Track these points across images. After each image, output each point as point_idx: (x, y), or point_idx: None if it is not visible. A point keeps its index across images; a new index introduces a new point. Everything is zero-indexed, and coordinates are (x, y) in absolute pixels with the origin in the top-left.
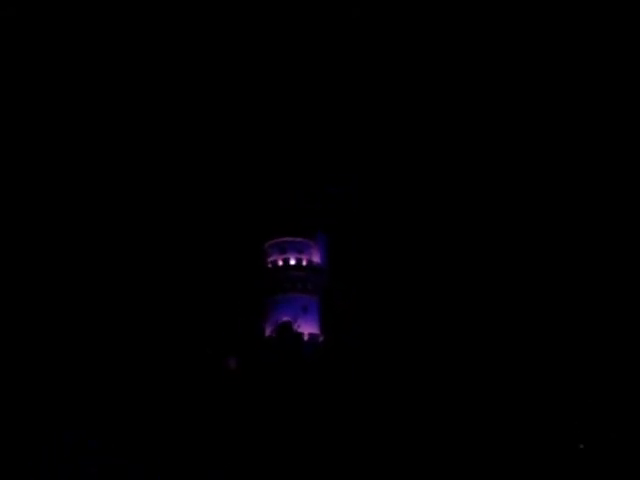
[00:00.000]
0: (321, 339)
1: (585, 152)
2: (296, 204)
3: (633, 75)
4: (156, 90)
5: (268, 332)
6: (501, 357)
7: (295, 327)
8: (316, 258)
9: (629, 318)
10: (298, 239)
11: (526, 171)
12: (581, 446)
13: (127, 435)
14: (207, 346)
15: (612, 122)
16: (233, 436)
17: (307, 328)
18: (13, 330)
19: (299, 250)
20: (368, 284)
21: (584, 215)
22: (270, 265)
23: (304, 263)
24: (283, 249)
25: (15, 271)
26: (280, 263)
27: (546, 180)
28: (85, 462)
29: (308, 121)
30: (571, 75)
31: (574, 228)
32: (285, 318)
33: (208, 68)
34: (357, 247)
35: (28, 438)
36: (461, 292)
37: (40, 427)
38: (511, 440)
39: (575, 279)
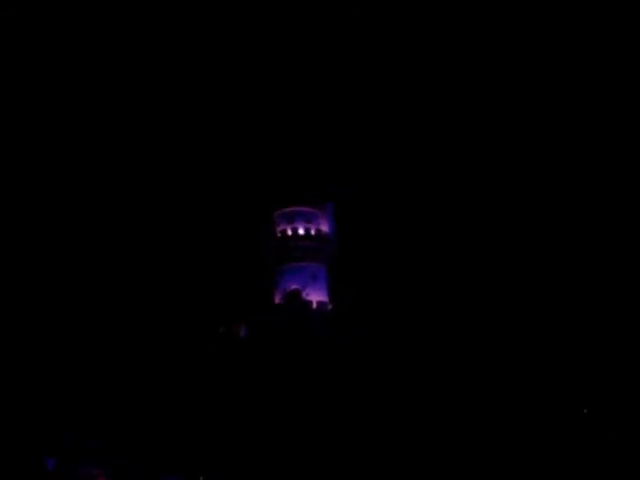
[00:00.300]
0: (329, 307)
1: (585, 152)
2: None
3: (633, 75)
4: (157, 90)
5: (277, 300)
6: (502, 350)
7: (304, 295)
8: (324, 227)
9: (629, 318)
10: (306, 208)
11: (526, 170)
12: (585, 411)
13: (127, 435)
14: (208, 346)
15: (612, 122)
16: (236, 425)
17: (316, 296)
18: (13, 330)
19: (307, 219)
20: (374, 257)
21: (584, 215)
22: (279, 234)
23: (312, 232)
24: (292, 219)
25: (15, 271)
26: (289, 232)
27: (546, 180)
28: (85, 462)
29: (308, 121)
30: (571, 75)
31: (574, 228)
32: (294, 286)
33: (209, 68)
34: (364, 217)
35: (28, 438)
36: (459, 291)
37: (40, 427)
38: (510, 437)
39: (575, 279)
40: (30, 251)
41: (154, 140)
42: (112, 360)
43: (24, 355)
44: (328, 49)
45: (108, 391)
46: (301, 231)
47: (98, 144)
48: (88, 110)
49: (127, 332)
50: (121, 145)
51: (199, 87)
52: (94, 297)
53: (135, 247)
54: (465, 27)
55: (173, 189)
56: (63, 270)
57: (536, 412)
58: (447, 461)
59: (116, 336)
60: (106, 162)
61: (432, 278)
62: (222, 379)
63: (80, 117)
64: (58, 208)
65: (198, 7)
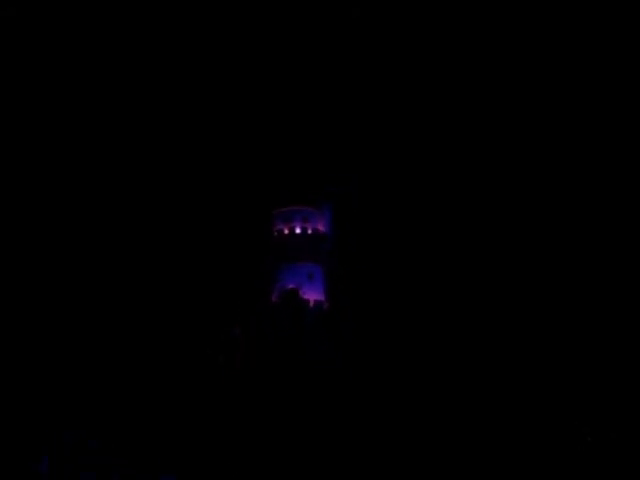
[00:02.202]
0: (326, 306)
1: (585, 152)
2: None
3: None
4: (156, 91)
5: (274, 299)
6: (503, 348)
7: (301, 294)
8: (321, 227)
9: (629, 318)
10: (303, 208)
11: (526, 170)
12: (589, 439)
13: (127, 435)
14: (207, 346)
15: (612, 122)
16: (234, 429)
17: (312, 295)
18: (13, 330)
19: (304, 219)
20: (371, 256)
21: (584, 216)
22: (276, 233)
23: (309, 231)
24: (289, 218)
25: (15, 271)
26: (286, 232)
27: (546, 180)
28: (85, 462)
29: (308, 121)
30: (571, 75)
31: (574, 228)
32: (291, 285)
33: (208, 68)
34: (361, 217)
35: (28, 438)
36: (460, 290)
37: (40, 427)
38: (511, 434)
39: (575, 279)
40: (30, 252)
41: (152, 139)
42: (112, 360)
43: (24, 355)
44: (328, 49)
45: (108, 391)
46: (298, 230)
47: (97, 145)
48: (88, 111)
49: (126, 331)
50: (119, 143)
51: (198, 87)
52: (94, 297)
53: (132, 246)
54: (465, 27)
55: (171, 188)
56: (63, 271)
57: (535, 412)
58: (446, 461)
59: (115, 335)
60: (103, 161)
61: (429, 278)
62: (220, 379)
63: (80, 118)
64: (55, 210)
65: (198, 7)
